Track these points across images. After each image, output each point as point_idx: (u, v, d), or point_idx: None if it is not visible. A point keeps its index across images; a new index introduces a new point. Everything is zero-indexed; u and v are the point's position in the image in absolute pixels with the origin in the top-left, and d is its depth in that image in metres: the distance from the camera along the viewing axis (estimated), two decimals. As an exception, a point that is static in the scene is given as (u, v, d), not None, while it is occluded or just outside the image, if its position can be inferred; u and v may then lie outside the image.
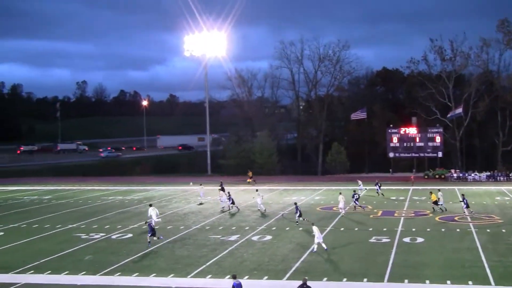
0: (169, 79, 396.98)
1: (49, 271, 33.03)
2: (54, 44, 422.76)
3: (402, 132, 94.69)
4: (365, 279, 29.86)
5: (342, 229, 44.66)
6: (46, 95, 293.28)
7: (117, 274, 32.07)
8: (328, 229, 44.61)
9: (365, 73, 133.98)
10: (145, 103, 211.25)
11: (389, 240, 39.80)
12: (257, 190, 60.10)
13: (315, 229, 36.99)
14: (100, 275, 32.03)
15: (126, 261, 35.27)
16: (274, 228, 45.48)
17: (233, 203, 55.90)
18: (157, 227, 42.70)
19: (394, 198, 62.92)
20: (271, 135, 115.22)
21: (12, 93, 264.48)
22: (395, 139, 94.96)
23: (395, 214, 51.37)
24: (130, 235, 43.87)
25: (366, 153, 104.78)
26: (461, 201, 51.54)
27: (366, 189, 68.26)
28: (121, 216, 54.33)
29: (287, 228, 45.38)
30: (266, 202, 57.68)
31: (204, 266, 33.50)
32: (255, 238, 41.55)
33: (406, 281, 29.37)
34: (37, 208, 60.89)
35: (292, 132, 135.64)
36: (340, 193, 53.29)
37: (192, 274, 31.58)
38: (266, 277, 30.75)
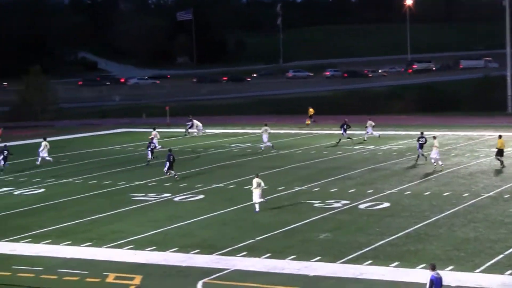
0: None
1: (268, 254, 34.12)
2: None
3: None
4: None
5: None
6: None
7: (367, 263, 32.41)
8: None
9: None
10: (408, 1, 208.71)
11: None
12: (266, 125, 69.96)
13: (255, 182, 42.56)
14: (340, 262, 32.58)
15: (380, 243, 35.67)
16: None
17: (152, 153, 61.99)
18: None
19: None
20: None
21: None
22: None
23: None
24: (386, 204, 44.29)
25: None
26: None
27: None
28: (372, 175, 55.16)
29: None
30: None
31: (501, 256, 32.80)
32: None
33: None
34: (249, 161, 63.54)
35: None
36: None
37: (482, 268, 31.04)
38: None
